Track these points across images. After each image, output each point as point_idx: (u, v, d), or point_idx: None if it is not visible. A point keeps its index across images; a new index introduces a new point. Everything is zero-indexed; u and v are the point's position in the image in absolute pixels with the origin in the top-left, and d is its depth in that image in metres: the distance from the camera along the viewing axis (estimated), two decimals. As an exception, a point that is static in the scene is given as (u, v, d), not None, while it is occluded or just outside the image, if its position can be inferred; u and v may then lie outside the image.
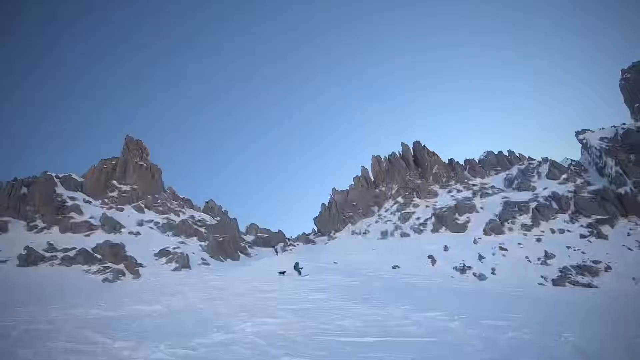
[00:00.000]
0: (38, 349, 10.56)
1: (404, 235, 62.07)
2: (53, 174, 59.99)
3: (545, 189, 66.07)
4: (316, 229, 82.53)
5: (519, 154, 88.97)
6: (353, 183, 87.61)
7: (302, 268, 34.84)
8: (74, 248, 44.03)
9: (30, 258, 40.51)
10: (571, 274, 42.03)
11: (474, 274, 43.16)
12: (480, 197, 69.51)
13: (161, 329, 14.03)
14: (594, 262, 44.01)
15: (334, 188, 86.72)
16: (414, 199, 74.92)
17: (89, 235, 50.39)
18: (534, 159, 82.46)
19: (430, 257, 48.66)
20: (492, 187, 74.14)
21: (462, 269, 44.52)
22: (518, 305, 18.94)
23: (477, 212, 63.73)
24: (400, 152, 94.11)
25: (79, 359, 9.80)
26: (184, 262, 45.14)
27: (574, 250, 47.77)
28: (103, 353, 10.34)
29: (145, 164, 73.52)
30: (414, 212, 69.64)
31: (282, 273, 33.97)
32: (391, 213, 72.33)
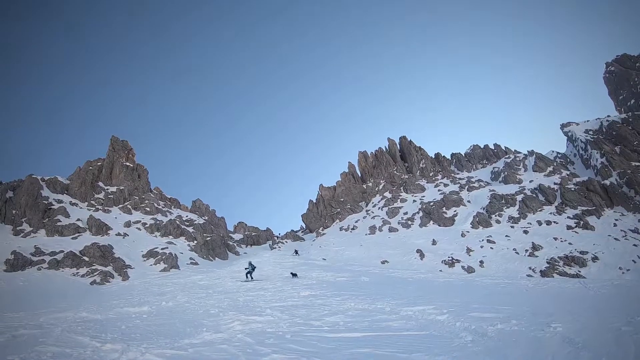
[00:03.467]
0: (26, 354, 10.29)
1: (392, 230, 62.13)
2: (38, 177, 59.17)
3: (531, 181, 66.80)
4: (304, 226, 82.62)
5: (505, 147, 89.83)
6: (340, 179, 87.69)
7: (251, 270, 32.30)
8: (62, 251, 43.53)
9: (17, 262, 40.00)
10: (559, 265, 42.31)
11: (463, 267, 43.29)
12: (467, 190, 69.99)
13: (150, 330, 13.88)
14: (581, 252, 44.39)
15: (321, 184, 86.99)
16: (401, 194, 75.22)
17: (76, 237, 49.83)
18: (520, 152, 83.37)
19: (418, 251, 48.73)
20: (479, 180, 74.71)
21: (451, 263, 44.61)
22: (507, 297, 18.78)
23: (465, 205, 64.10)
24: (387, 147, 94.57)
25: (67, 363, 9.60)
26: (172, 263, 45.01)
27: (561, 241, 48.12)
28: (91, 356, 10.15)
29: (131, 165, 73.17)
30: (401, 207, 69.83)
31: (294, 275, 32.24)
32: (379, 208, 72.49)
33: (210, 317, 15.96)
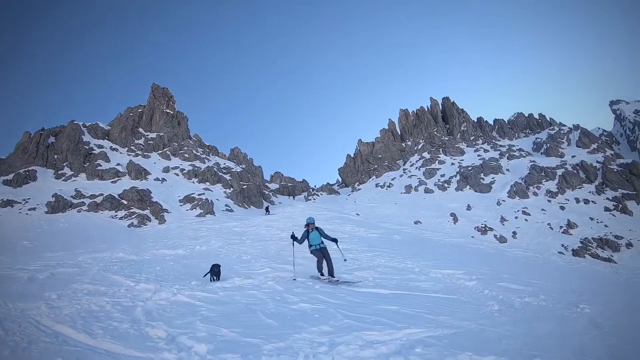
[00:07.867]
0: (63, 291, 11.00)
1: (428, 191, 62.31)
2: (80, 123, 61.08)
3: (573, 156, 65.37)
4: (340, 180, 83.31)
5: (550, 118, 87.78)
6: (379, 135, 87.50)
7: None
8: (101, 194, 45.28)
9: (58, 205, 41.79)
10: (592, 246, 41.99)
11: (495, 236, 43.42)
12: (507, 158, 69.18)
13: (183, 272, 14.78)
14: (616, 237, 43.78)
15: (359, 139, 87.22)
16: (439, 155, 74.88)
17: (115, 181, 51.95)
18: (565, 125, 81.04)
19: (452, 215, 49.01)
20: (520, 149, 73.61)
21: (484, 230, 44.76)
22: (536, 271, 18.53)
23: (503, 173, 63.50)
24: (429, 107, 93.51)
25: (101, 299, 10.04)
26: (208, 208, 46.42)
27: (597, 222, 47.62)
28: (125, 294, 10.80)
29: (171, 112, 74.56)
30: (439, 169, 69.73)
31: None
32: (416, 168, 72.50)
33: (243, 264, 16.70)
